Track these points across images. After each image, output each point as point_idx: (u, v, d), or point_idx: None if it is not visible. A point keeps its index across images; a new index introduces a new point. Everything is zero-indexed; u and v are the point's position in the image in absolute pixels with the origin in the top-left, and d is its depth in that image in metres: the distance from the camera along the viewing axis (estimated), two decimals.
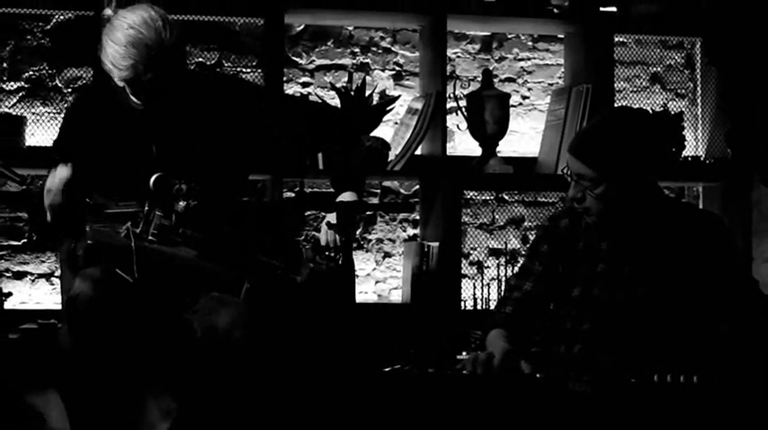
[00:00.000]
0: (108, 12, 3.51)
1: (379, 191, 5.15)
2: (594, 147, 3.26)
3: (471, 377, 3.09)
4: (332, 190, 3.66)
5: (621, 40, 5.33)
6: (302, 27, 5.10)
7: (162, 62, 3.44)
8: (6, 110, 4.83)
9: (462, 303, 4.88)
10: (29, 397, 4.19)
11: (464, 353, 4.28)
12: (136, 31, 3.42)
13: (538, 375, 3.06)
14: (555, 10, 4.99)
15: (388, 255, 5.14)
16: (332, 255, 3.52)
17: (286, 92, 4.88)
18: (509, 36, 5.28)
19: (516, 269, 3.58)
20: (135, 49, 3.42)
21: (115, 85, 3.55)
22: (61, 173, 3.42)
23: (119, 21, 3.45)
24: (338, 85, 4.95)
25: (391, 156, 4.84)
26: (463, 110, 4.96)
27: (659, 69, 5.43)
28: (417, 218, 5.09)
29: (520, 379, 3.10)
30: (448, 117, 4.90)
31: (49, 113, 4.85)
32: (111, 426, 3.43)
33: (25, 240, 4.85)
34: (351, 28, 5.14)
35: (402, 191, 5.17)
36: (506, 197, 5.27)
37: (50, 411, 4.12)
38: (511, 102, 5.02)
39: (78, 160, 3.59)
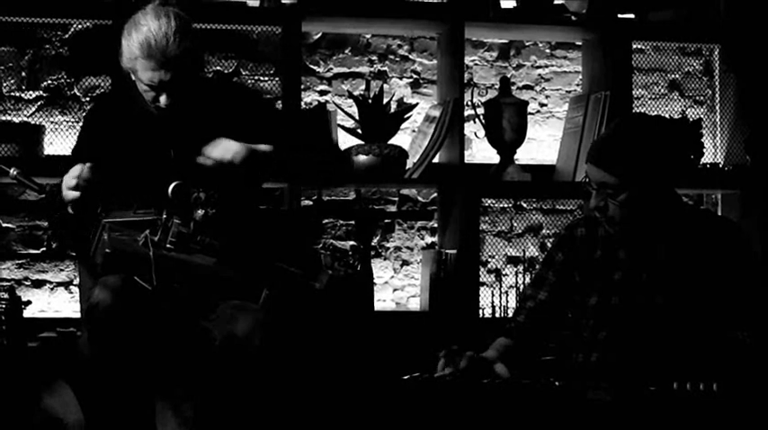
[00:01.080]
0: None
1: (396, 199, 5.14)
2: (614, 153, 3.26)
3: (490, 385, 3.09)
4: (350, 198, 3.66)
5: (639, 46, 5.32)
6: (320, 35, 5.10)
7: (168, 72, 3.47)
8: (25, 119, 4.84)
9: (480, 311, 4.87)
10: (47, 403, 4.20)
11: None
12: (147, 38, 3.45)
13: (557, 383, 3.06)
14: (573, 17, 4.98)
15: (406, 262, 5.13)
16: (351, 262, 3.52)
17: (297, 100, 4.88)
18: (527, 43, 5.28)
19: (531, 278, 3.58)
20: (142, 52, 3.45)
21: (134, 91, 3.57)
22: (75, 170, 3.45)
23: (140, 20, 3.48)
24: (356, 93, 4.95)
25: (409, 163, 4.84)
26: (481, 117, 4.96)
27: (677, 76, 5.42)
28: (435, 226, 5.09)
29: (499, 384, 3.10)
30: (466, 125, 4.89)
31: (67, 122, 4.86)
32: None
33: (44, 249, 4.86)
34: (368, 36, 5.14)
35: (420, 198, 5.17)
36: (524, 205, 5.27)
37: (69, 417, 4.13)
38: (529, 109, 5.01)
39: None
